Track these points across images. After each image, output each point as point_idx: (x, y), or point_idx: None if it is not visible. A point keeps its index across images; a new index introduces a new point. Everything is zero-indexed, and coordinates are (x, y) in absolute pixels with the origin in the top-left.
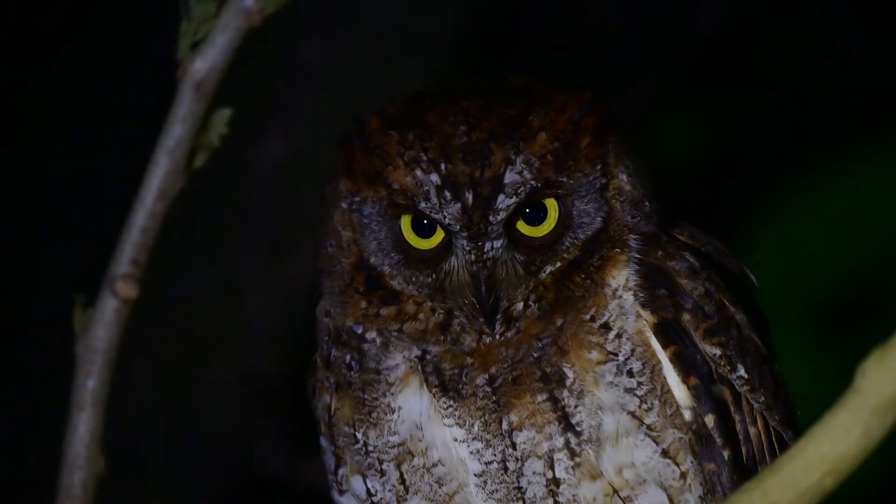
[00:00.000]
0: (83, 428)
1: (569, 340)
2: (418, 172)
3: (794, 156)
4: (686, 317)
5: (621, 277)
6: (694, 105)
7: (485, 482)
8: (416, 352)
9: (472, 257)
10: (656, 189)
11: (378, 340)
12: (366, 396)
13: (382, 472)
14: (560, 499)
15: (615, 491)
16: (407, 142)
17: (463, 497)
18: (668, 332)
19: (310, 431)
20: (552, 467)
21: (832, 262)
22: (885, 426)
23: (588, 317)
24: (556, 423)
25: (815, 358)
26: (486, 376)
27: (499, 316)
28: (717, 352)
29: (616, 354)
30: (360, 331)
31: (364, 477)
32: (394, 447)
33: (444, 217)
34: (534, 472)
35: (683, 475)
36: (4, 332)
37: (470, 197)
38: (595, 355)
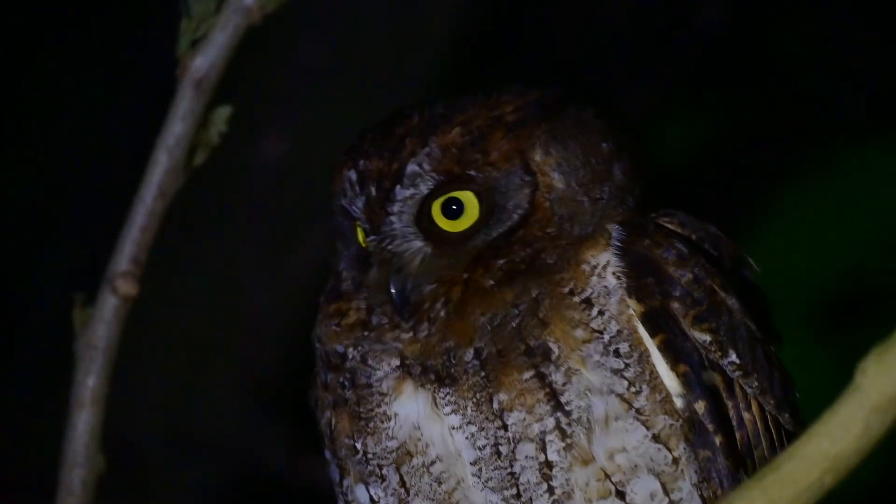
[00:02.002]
0: (83, 426)
1: (549, 312)
2: (344, 171)
3: (793, 156)
4: (674, 304)
5: (602, 258)
6: (694, 105)
7: (480, 470)
8: (396, 362)
9: (378, 249)
10: (638, 180)
11: (357, 357)
12: (361, 410)
13: (383, 478)
14: (553, 483)
15: (607, 476)
16: (349, 148)
17: (462, 493)
18: (656, 321)
19: (309, 430)
20: (544, 450)
21: (832, 261)
22: (885, 424)
23: (567, 290)
24: (545, 402)
25: (815, 355)
26: (472, 350)
27: (408, 308)
28: (708, 338)
29: (601, 333)
30: (341, 350)
31: (366, 484)
32: (392, 452)
33: (355, 211)
34: (526, 456)
35: (675, 461)
36: (4, 330)
37: (373, 189)
38: (580, 333)
